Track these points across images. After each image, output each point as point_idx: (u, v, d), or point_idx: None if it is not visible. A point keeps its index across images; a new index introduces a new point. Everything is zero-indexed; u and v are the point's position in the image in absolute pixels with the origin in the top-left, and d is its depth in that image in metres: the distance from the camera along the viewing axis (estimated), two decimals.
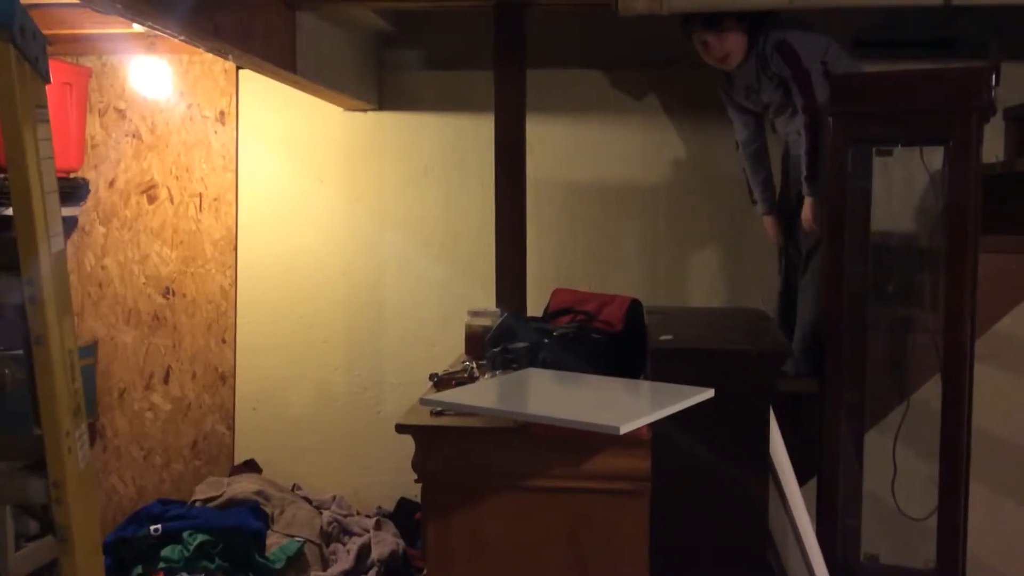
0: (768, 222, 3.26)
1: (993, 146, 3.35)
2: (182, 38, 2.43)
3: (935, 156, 2.72)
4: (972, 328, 2.61)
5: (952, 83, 2.57)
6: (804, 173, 2.93)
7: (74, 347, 1.64)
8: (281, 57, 2.94)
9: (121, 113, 3.97)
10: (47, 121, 1.61)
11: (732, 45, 3.01)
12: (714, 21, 2.97)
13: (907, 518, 2.79)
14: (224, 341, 3.98)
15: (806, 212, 2.99)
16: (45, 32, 1.62)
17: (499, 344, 2.44)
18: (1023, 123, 3.37)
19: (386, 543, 3.49)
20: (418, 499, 2.20)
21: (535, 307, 3.12)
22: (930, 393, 2.78)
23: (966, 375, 2.59)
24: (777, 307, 3.26)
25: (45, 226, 1.56)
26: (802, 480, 2.46)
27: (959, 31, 3.39)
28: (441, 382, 2.38)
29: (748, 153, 3.26)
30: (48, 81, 1.65)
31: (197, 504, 3.50)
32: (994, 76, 2.53)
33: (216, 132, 3.94)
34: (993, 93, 2.54)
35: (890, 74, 2.71)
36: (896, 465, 2.84)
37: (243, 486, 3.60)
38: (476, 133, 3.78)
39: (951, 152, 2.57)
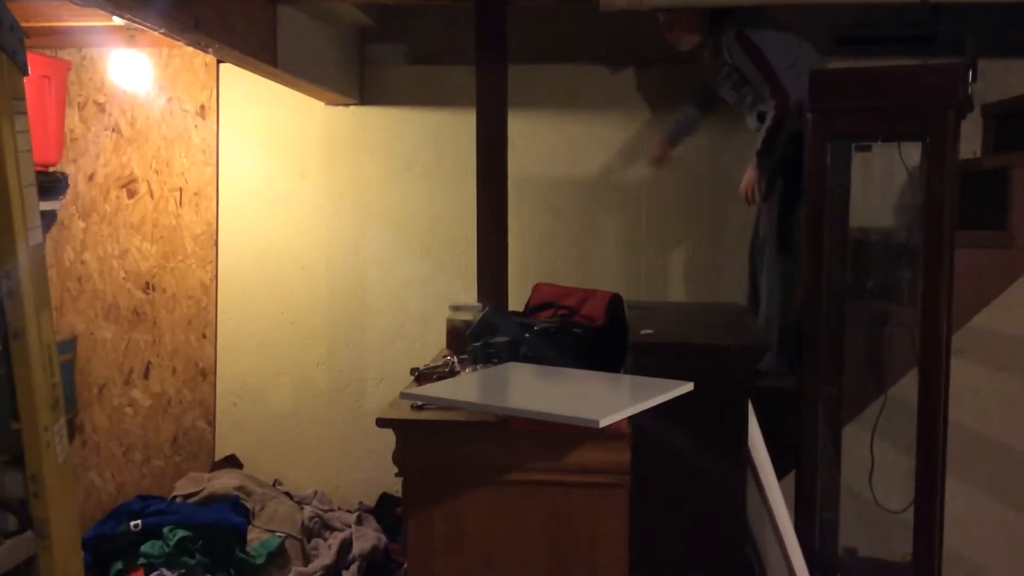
0: (661, 145, 3.49)
1: (971, 142, 3.39)
2: (162, 31, 2.42)
3: (913, 152, 2.74)
4: (948, 323, 2.64)
5: (929, 79, 2.59)
6: (757, 147, 3.03)
7: (52, 341, 1.63)
8: (262, 51, 2.93)
9: (100, 107, 3.94)
10: (25, 113, 1.60)
11: (682, 33, 3.14)
12: (670, 9, 3.09)
13: (885, 511, 2.81)
14: (205, 337, 3.96)
15: (744, 179, 3.09)
16: (23, 24, 1.61)
17: (480, 339, 2.44)
18: (1000, 119, 3.41)
19: (367, 538, 3.49)
20: (399, 494, 2.21)
21: (516, 302, 3.12)
22: (907, 387, 2.80)
23: (942, 369, 2.61)
24: (748, 304, 3.29)
25: (23, 219, 1.55)
26: (780, 474, 2.48)
27: (937, 28, 3.42)
28: (422, 377, 2.38)
29: (680, 121, 3.48)
30: (26, 73, 1.63)
31: (177, 500, 3.49)
32: (971, 73, 2.55)
33: (196, 126, 3.92)
34: (970, 90, 2.57)
35: (868, 70, 2.73)
36: (873, 459, 2.87)
37: (224, 482, 3.59)
38: (458, 128, 3.79)
39: (928, 148, 2.59)
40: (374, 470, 3.87)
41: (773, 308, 3.04)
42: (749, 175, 3.09)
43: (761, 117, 3.05)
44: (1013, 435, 3.50)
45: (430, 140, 3.88)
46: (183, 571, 3.13)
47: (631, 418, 1.96)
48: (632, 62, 3.74)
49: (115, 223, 3.96)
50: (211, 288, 3.96)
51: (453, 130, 3.83)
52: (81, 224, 3.96)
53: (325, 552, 3.42)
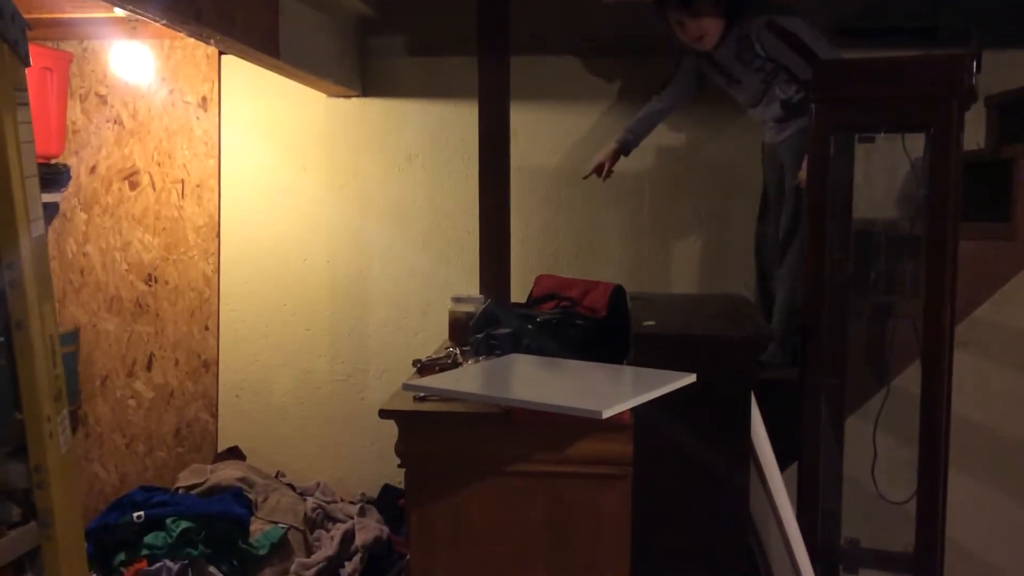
0: (610, 152, 3.37)
1: (974, 134, 3.38)
2: (163, 22, 2.41)
3: (917, 143, 2.74)
4: (952, 314, 2.63)
5: (933, 70, 2.58)
6: (796, 138, 2.94)
7: (55, 332, 1.63)
8: (263, 42, 2.92)
9: (102, 99, 3.94)
10: (27, 104, 1.60)
11: (707, 26, 3.04)
12: (689, 2, 3.00)
13: (887, 502, 2.81)
14: (207, 328, 3.97)
15: (804, 172, 2.96)
16: (25, 16, 1.60)
17: (482, 330, 2.44)
18: (1004, 111, 3.40)
19: (370, 529, 3.50)
20: (402, 486, 2.21)
21: (519, 294, 3.12)
22: (910, 379, 2.80)
23: (946, 361, 2.61)
24: (756, 297, 3.28)
25: (25, 210, 1.55)
26: (783, 465, 2.48)
27: (941, 19, 3.41)
28: (424, 368, 2.38)
29: (657, 110, 3.38)
30: (28, 64, 1.63)
31: (180, 491, 3.50)
32: (975, 63, 2.54)
33: (198, 118, 3.92)
34: (974, 80, 2.56)
35: (872, 61, 2.72)
36: (876, 450, 2.87)
37: (226, 473, 3.59)
38: (460, 120, 3.78)
39: (932, 139, 2.58)
40: (376, 461, 3.88)
41: (798, 299, 3.01)
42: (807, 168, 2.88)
43: (785, 105, 3.02)
44: (1015, 427, 3.50)
45: (432, 132, 3.88)
46: (186, 562, 3.14)
47: (634, 410, 1.96)
48: (635, 53, 3.73)
49: (117, 215, 3.96)
50: (213, 280, 3.96)
51: (455, 122, 3.82)
52: (83, 216, 3.96)
53: (327, 543, 3.42)
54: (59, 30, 3.81)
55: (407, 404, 2.10)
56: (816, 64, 2.77)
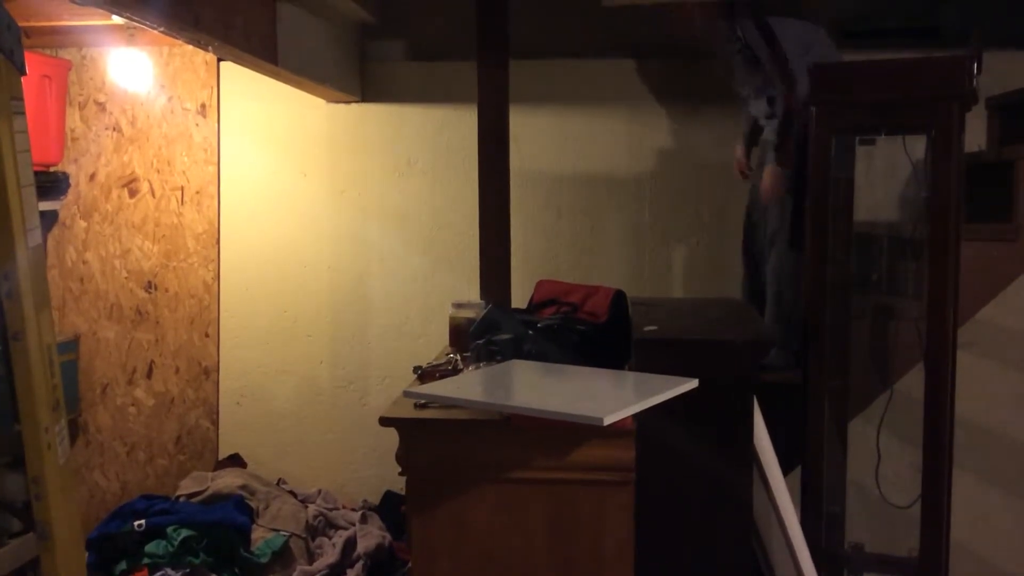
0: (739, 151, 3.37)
1: (976, 135, 3.37)
2: (162, 29, 2.41)
3: (918, 145, 2.73)
4: (954, 316, 2.62)
5: (934, 72, 2.57)
6: (773, 142, 2.93)
7: (52, 342, 1.62)
8: (262, 49, 2.92)
9: (101, 106, 3.93)
10: (23, 113, 1.59)
11: (704, 26, 3.08)
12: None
13: (891, 506, 2.80)
14: (207, 335, 3.96)
15: (765, 179, 2.98)
16: (23, 24, 1.60)
17: (483, 336, 2.43)
18: (1005, 112, 3.39)
19: (372, 536, 3.49)
20: (404, 492, 2.20)
21: (519, 299, 3.11)
22: (913, 381, 2.79)
23: (949, 363, 2.60)
24: (744, 296, 3.27)
25: (22, 220, 1.55)
26: (786, 469, 2.47)
27: (941, 20, 3.41)
28: (425, 375, 2.37)
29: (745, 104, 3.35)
30: (23, 73, 1.62)
31: (181, 499, 3.49)
32: (975, 65, 2.54)
33: (197, 125, 3.91)
34: (975, 82, 2.55)
35: (873, 63, 2.72)
36: (880, 453, 2.86)
37: (228, 481, 3.58)
38: (460, 124, 3.77)
39: (933, 141, 2.58)
40: (378, 468, 3.87)
41: (784, 302, 3.01)
42: (772, 174, 2.96)
43: (771, 102, 3.02)
44: (1020, 428, 3.48)
45: (432, 136, 3.87)
46: (187, 571, 3.13)
47: (636, 415, 1.95)
48: (635, 56, 3.72)
49: (117, 222, 3.95)
50: (213, 287, 3.95)
51: (455, 126, 3.82)
52: (83, 224, 3.96)
53: (329, 551, 3.41)
54: (57, 38, 3.81)
55: (408, 411, 2.08)
56: (816, 66, 2.76)
